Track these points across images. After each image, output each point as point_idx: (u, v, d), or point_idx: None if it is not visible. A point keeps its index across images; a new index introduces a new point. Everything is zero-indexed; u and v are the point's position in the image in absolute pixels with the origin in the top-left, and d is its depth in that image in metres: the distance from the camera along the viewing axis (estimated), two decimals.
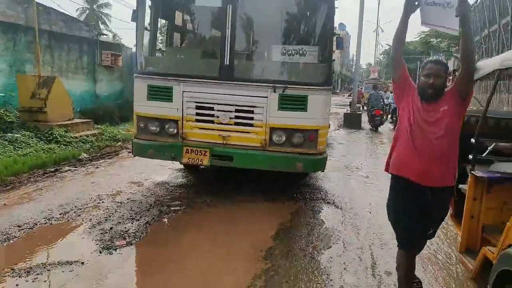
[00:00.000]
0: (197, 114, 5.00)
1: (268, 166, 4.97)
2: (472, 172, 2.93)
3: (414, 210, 2.56)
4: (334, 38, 5.13)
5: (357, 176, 7.25)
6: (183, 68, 5.22)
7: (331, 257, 3.82)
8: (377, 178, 7.09)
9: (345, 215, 5.07)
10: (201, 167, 5.63)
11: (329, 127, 5.95)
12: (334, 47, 5.14)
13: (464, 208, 2.99)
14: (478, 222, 2.94)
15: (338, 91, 48.74)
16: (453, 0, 2.30)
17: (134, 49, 10.73)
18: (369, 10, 60.08)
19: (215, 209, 5.02)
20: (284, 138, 4.93)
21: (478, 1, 7.78)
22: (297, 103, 4.86)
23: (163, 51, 6.54)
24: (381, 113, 14.20)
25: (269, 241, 4.11)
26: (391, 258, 3.78)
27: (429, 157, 2.47)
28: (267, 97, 4.84)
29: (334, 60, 5.41)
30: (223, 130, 4.97)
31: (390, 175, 2.74)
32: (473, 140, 3.09)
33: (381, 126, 14.64)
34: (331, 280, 3.37)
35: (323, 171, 5.41)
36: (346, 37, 57.99)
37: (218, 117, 4.93)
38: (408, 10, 2.51)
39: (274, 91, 4.81)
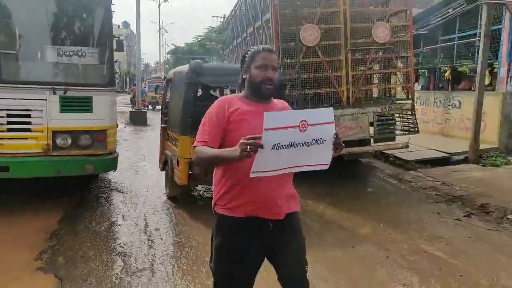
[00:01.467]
0: None
1: (53, 173, 4.78)
2: (161, 125, 6.12)
3: (254, 259, 1.98)
4: (114, 41, 5.24)
5: (140, 166, 8.21)
6: None
7: (112, 227, 4.68)
8: (155, 165, 8.23)
9: (125, 196, 5.96)
10: None
11: (117, 127, 6.12)
12: (115, 49, 5.26)
13: (160, 144, 6.29)
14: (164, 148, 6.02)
15: (127, 89, 48.19)
16: (324, 134, 1.78)
17: None
18: (152, 11, 61.02)
19: None
20: (70, 141, 4.84)
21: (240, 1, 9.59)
22: (82, 105, 4.85)
23: None
24: None
25: (55, 225, 4.60)
26: (159, 219, 4.96)
27: (271, 180, 1.84)
28: (46, 99, 4.71)
29: (116, 61, 5.69)
30: None
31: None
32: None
33: None
34: (111, 242, 4.24)
35: (115, 170, 5.46)
36: (131, 36, 57.54)
37: None
38: (239, 158, 1.67)
39: (54, 93, 4.72)
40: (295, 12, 6.60)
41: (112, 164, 5.25)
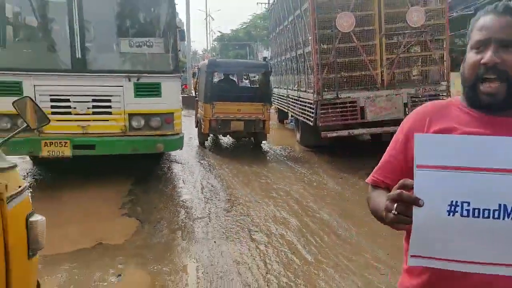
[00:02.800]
0: (52, 106, 5.04)
1: (129, 150, 5.33)
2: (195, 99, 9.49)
3: None
4: (177, 31, 5.75)
5: (194, 143, 9.28)
6: (31, 61, 5.30)
7: (175, 188, 5.71)
8: (209, 144, 9.32)
9: (184, 166, 7.00)
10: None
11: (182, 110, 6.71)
12: (178, 39, 5.76)
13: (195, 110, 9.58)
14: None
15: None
16: None
17: None
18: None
19: (81, 174, 6.18)
20: (143, 123, 5.36)
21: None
22: (152, 90, 5.37)
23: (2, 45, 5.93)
24: None
25: (130, 187, 5.67)
26: (213, 184, 5.91)
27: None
28: (122, 86, 5.28)
29: (180, 50, 6.21)
30: (82, 120, 5.20)
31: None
32: None
33: None
34: (176, 199, 5.25)
35: (181, 149, 5.97)
36: (179, 24, 59.10)
37: (75, 108, 5.16)
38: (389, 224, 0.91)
39: (129, 80, 5.28)
40: (331, 1, 7.18)
41: (179, 143, 5.77)
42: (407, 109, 7.14)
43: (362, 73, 7.29)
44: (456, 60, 12.49)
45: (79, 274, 3.25)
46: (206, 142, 9.04)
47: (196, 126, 9.43)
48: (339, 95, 7.17)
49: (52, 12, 5.76)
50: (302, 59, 8.58)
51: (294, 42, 9.32)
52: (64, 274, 3.23)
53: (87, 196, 5.25)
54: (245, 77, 13.15)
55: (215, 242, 3.88)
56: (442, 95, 7.71)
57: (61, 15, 5.56)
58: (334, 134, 7.20)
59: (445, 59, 7.58)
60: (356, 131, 7.30)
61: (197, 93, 9.88)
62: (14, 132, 2.08)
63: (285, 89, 10.90)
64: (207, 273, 3.29)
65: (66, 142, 5.11)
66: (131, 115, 5.34)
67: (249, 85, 12.02)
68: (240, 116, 8.21)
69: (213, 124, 8.16)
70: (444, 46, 7.62)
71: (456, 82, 11.63)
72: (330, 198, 5.19)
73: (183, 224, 4.34)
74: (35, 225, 1.98)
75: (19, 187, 1.95)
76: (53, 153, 5.13)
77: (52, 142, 5.07)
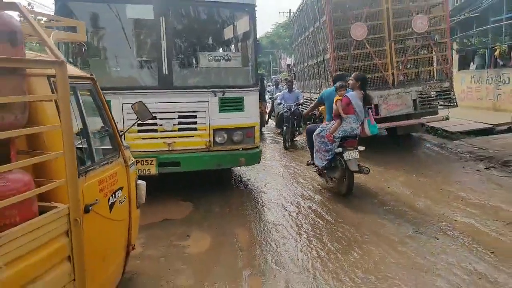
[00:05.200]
0: (139, 124, 4.57)
1: (214, 166, 5.33)
2: None
3: None
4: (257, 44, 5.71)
5: None
6: (119, 80, 5.30)
7: (221, 180, 6.83)
8: None
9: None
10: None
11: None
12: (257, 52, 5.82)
13: None
14: None
15: None
16: None
17: None
18: None
19: None
20: (226, 138, 5.34)
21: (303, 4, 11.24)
22: (235, 104, 5.33)
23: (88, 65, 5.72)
24: None
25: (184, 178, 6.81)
26: (250, 173, 6.99)
27: None
28: (208, 101, 5.23)
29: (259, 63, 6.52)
30: (168, 137, 5.16)
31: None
32: None
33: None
34: (219, 186, 6.35)
35: (259, 162, 5.95)
36: None
37: (161, 125, 5.08)
38: None
39: (215, 95, 5.24)
40: (345, 13, 8.21)
41: (258, 157, 5.69)
42: (416, 105, 8.07)
43: (375, 75, 8.24)
44: (466, 59, 13.27)
45: (158, 235, 4.38)
46: None
47: None
48: None
49: (139, 30, 5.92)
50: (323, 65, 9.62)
51: (315, 50, 10.37)
52: (146, 236, 4.30)
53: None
54: None
55: (256, 213, 4.96)
56: (445, 92, 8.50)
57: (148, 33, 5.67)
58: None
59: (448, 59, 8.44)
60: None
61: None
62: (131, 125, 3.36)
63: (308, 92, 11.96)
64: (252, 231, 4.38)
65: (152, 160, 5.09)
66: (215, 130, 5.33)
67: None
68: None
69: None
70: (447, 48, 8.48)
71: (466, 79, 12.36)
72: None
73: (228, 204, 5.42)
74: (140, 186, 3.17)
75: (132, 160, 3.16)
76: (139, 172, 4.86)
77: (139, 161, 4.77)
